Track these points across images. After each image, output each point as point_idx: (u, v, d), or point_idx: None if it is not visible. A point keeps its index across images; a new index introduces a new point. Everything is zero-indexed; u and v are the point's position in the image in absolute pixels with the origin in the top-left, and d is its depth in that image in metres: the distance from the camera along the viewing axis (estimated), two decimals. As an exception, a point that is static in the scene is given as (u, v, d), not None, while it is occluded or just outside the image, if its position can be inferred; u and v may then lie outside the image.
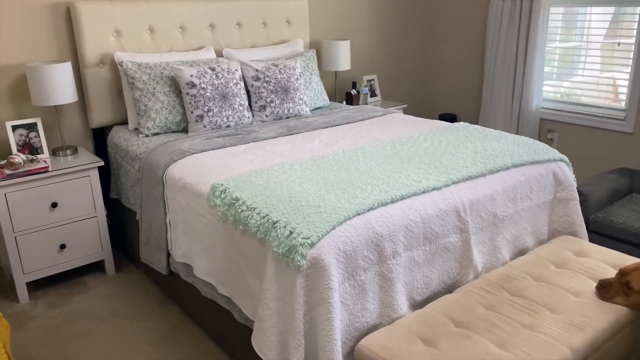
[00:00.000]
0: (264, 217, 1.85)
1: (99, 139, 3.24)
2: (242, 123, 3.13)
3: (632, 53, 3.51)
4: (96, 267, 3.15)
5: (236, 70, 3.15)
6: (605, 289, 1.93)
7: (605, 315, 1.85)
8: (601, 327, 1.81)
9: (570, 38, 3.88)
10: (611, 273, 2.11)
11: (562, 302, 1.92)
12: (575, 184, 2.56)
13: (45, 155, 2.93)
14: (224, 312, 2.23)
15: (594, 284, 2.03)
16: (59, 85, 2.79)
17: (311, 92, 3.57)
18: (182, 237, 2.39)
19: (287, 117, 3.31)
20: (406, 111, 4.82)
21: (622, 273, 1.91)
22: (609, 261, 2.20)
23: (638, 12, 3.45)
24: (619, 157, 3.68)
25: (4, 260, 2.94)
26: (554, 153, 2.56)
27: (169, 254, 2.56)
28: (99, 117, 3.15)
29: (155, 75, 3.01)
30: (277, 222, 1.81)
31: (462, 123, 3.00)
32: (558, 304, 1.91)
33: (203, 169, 2.37)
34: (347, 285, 1.81)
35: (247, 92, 3.28)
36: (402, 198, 2.00)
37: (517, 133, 4.15)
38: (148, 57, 3.12)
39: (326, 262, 1.72)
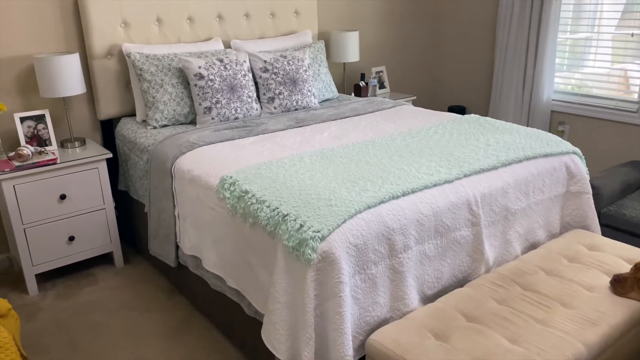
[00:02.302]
0: (273, 210, 1.84)
1: (107, 131, 3.24)
2: (250, 115, 3.11)
3: (646, 44, 3.45)
4: (105, 259, 3.15)
5: (244, 61, 3.13)
6: (619, 284, 1.90)
7: (620, 311, 1.83)
8: (615, 322, 1.78)
9: (581, 29, 3.82)
10: (625, 267, 2.08)
11: (575, 297, 1.90)
12: (588, 177, 2.53)
13: (54, 147, 2.93)
14: (233, 305, 2.22)
15: (608, 279, 2.00)
16: (67, 76, 2.78)
17: (320, 84, 3.54)
18: (190, 230, 2.37)
19: (296, 109, 3.28)
20: (415, 103, 4.79)
21: (638, 267, 1.88)
22: (623, 255, 2.17)
23: (652, 2, 3.39)
24: (632, 149, 3.64)
25: (13, 252, 2.94)
26: (566, 145, 2.52)
27: (177, 247, 2.55)
28: (107, 108, 3.14)
29: (163, 67, 2.99)
30: (287, 215, 1.79)
31: (472, 115, 2.97)
32: (571, 299, 1.89)
33: (212, 161, 2.36)
34: (357, 279, 1.79)
35: (256, 83, 3.26)
36: (413, 191, 1.98)
37: (527, 125, 4.11)
38: (156, 49, 3.10)
39: (337, 255, 1.70)
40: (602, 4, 3.66)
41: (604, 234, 2.86)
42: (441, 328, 1.76)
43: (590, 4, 3.73)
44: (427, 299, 2.02)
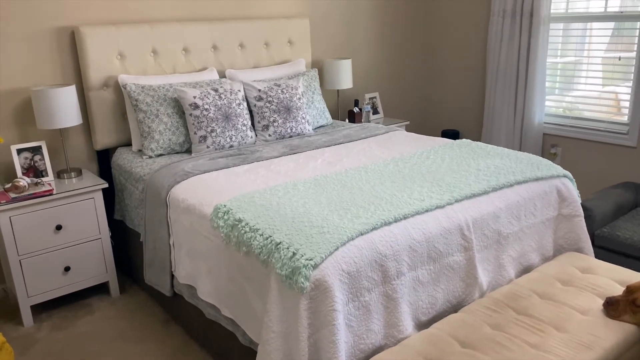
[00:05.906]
0: (267, 238, 1.85)
1: (103, 161, 3.26)
2: (245, 143, 3.15)
3: (634, 67, 3.51)
4: (101, 289, 3.15)
5: (239, 90, 3.17)
6: (612, 307, 1.91)
7: (614, 334, 1.83)
8: (609, 345, 1.78)
9: (571, 53, 3.89)
10: (618, 290, 2.08)
11: (569, 321, 1.90)
12: (579, 200, 2.55)
13: (50, 178, 2.95)
14: (228, 334, 2.22)
15: (601, 302, 2.01)
16: (64, 108, 2.81)
17: (313, 111, 3.59)
18: (185, 259, 2.38)
19: (290, 136, 3.32)
20: (408, 128, 4.84)
21: (630, 290, 1.89)
22: (616, 278, 2.18)
23: (638, 27, 3.47)
24: (623, 171, 3.67)
25: (9, 283, 2.94)
26: (557, 169, 2.55)
27: (172, 276, 2.55)
28: (103, 139, 3.17)
29: (158, 97, 3.04)
30: (280, 243, 1.80)
31: (464, 140, 3.01)
32: (565, 323, 1.89)
33: (206, 190, 2.38)
34: (351, 306, 1.80)
35: (250, 112, 3.30)
36: (405, 217, 2.00)
37: (520, 148, 4.15)
38: (151, 79, 3.15)
39: (330, 283, 1.71)
40: (590, 29, 3.74)
41: (598, 255, 2.87)
42: (436, 354, 1.76)
43: (578, 28, 3.81)
44: (421, 325, 2.02)
